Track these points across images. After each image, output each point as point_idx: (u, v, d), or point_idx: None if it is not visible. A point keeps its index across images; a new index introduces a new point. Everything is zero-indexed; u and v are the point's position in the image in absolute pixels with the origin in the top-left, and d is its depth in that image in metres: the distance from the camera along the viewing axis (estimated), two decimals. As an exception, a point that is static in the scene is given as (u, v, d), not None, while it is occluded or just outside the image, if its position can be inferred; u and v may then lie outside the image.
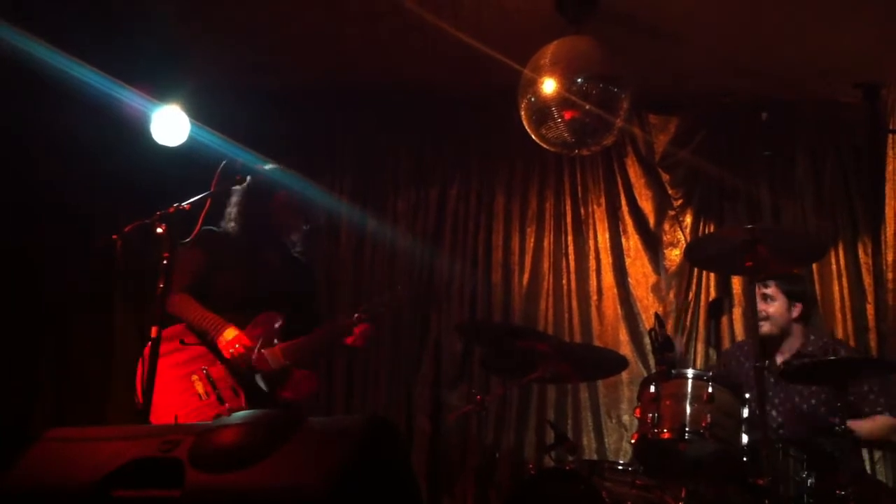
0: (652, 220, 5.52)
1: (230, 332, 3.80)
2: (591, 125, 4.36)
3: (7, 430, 4.74)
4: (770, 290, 4.37)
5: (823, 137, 5.43)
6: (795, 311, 4.39)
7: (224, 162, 3.58)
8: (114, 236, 3.33)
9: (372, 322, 4.00)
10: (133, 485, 1.95)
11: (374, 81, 5.49)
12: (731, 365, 4.52)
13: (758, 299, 4.31)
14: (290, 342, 3.94)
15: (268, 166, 4.10)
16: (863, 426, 4.09)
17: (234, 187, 3.93)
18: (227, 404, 3.73)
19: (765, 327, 4.35)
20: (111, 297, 5.55)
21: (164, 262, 3.23)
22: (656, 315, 4.23)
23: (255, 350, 3.81)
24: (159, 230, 3.29)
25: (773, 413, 4.22)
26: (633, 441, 3.68)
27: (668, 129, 5.55)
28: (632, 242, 5.51)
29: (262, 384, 3.84)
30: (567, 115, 4.33)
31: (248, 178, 3.83)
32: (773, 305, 4.36)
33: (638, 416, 3.69)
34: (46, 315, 5.43)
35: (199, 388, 3.75)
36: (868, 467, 4.66)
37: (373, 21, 4.86)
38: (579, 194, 5.61)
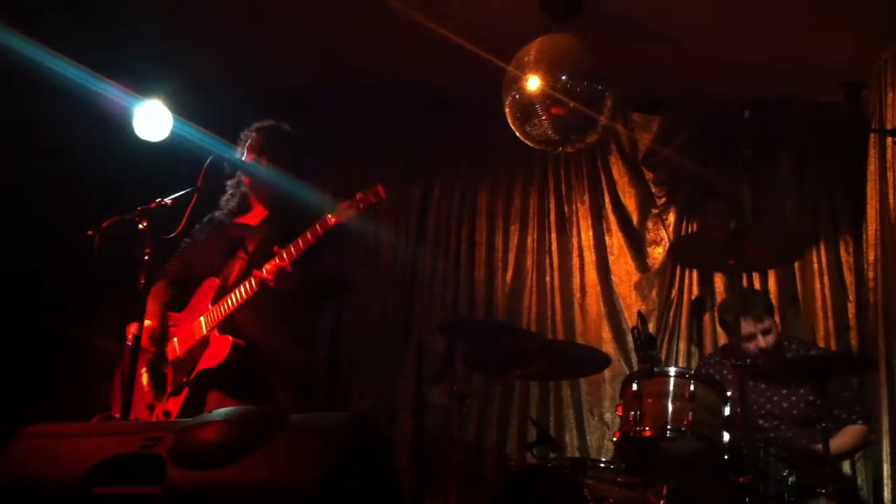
0: (635, 218, 5.53)
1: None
2: (576, 122, 4.35)
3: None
4: (767, 324, 4.26)
5: (806, 136, 5.44)
6: (779, 327, 4.42)
7: (211, 157, 3.54)
8: (89, 232, 3.30)
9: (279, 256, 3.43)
10: (113, 481, 1.94)
11: (359, 79, 5.47)
12: (712, 368, 4.52)
13: (758, 337, 4.22)
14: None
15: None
16: (839, 443, 4.07)
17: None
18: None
19: (760, 357, 4.24)
20: (91, 294, 5.52)
21: (146, 257, 3.20)
22: (639, 313, 4.24)
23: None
24: (141, 226, 3.26)
25: (761, 422, 4.20)
26: (615, 439, 3.69)
27: (651, 128, 5.56)
28: (615, 240, 5.51)
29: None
30: (552, 113, 4.33)
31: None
32: (770, 335, 4.26)
33: (620, 413, 3.69)
34: (28, 315, 5.38)
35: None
36: (848, 466, 4.67)
37: (359, 19, 4.85)
38: (563, 192, 5.61)
